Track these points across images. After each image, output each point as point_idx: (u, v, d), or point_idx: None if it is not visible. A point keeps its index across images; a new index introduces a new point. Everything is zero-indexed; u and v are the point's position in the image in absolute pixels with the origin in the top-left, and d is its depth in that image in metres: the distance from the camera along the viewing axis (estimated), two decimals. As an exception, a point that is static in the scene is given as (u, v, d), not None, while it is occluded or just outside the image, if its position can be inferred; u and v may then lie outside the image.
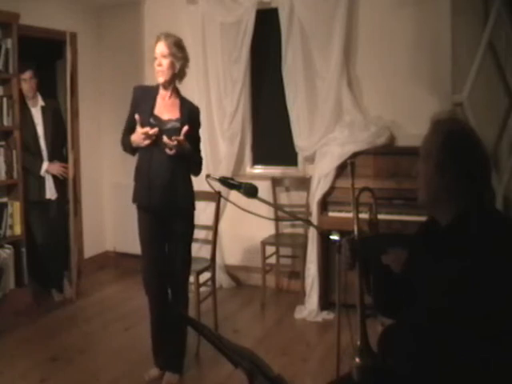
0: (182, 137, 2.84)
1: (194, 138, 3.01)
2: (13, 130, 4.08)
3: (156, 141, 2.89)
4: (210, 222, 3.83)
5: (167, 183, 2.93)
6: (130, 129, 3.00)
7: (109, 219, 5.44)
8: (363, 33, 4.21)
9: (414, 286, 1.67)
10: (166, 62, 2.91)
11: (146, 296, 3.11)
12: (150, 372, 3.16)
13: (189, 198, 3.07)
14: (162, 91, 3.01)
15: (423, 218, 1.83)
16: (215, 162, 4.72)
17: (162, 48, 2.91)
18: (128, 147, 3.03)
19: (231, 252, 4.84)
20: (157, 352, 3.17)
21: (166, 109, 2.99)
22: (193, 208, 3.11)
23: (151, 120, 2.93)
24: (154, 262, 3.05)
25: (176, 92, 3.04)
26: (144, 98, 3.01)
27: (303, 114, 4.35)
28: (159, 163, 2.92)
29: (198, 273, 3.57)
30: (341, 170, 3.96)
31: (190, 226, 3.14)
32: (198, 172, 3.12)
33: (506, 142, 3.61)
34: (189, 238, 3.12)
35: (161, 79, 2.94)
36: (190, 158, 2.98)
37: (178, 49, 2.94)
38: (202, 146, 4.73)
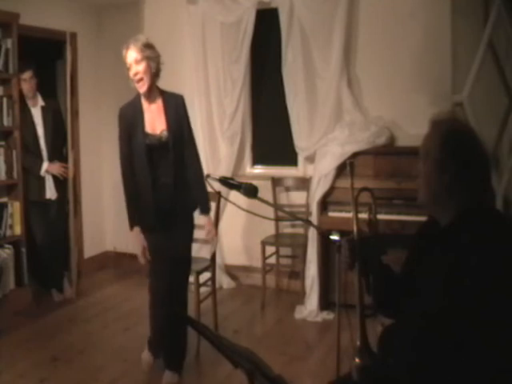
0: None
1: (186, 135, 2.98)
2: (13, 130, 4.08)
3: (154, 160, 2.91)
4: (210, 221, 3.82)
5: (171, 198, 2.95)
6: (128, 157, 2.94)
7: (109, 219, 5.44)
8: (363, 33, 4.21)
9: (414, 286, 1.67)
10: (141, 68, 2.83)
11: (150, 298, 3.16)
12: (143, 354, 3.23)
13: (190, 204, 3.08)
14: (145, 99, 2.95)
15: (423, 218, 1.83)
16: (215, 162, 4.72)
17: (133, 55, 2.82)
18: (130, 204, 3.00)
19: (231, 252, 4.84)
20: (152, 343, 3.24)
21: (154, 119, 2.95)
22: (194, 210, 3.15)
23: (147, 141, 2.91)
24: (164, 273, 3.01)
25: (157, 93, 2.97)
26: (134, 119, 2.93)
27: (303, 114, 4.35)
28: (162, 183, 2.94)
29: (198, 273, 3.57)
30: (341, 170, 3.95)
31: (191, 227, 3.18)
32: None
33: (506, 141, 3.60)
34: (190, 239, 3.17)
35: (143, 88, 2.85)
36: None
37: (149, 49, 2.87)
38: (202, 146, 4.77)
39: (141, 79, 2.84)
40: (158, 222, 2.96)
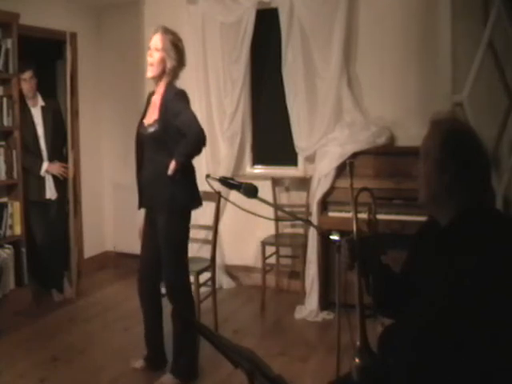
0: (170, 171, 2.77)
1: (178, 124, 2.81)
2: (13, 130, 4.08)
3: (143, 147, 2.98)
4: (210, 222, 3.83)
5: (150, 182, 2.95)
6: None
7: (109, 219, 5.44)
8: (363, 33, 4.21)
9: (414, 286, 1.67)
10: (156, 56, 2.85)
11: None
12: (136, 362, 3.24)
13: (166, 194, 2.86)
14: (155, 88, 2.99)
15: (423, 218, 1.84)
16: (215, 162, 4.72)
17: (156, 41, 2.87)
18: None
19: (231, 252, 4.84)
20: (146, 344, 3.25)
21: (152, 111, 2.96)
22: (175, 204, 2.89)
23: (141, 130, 2.99)
24: (145, 260, 3.13)
25: (164, 88, 2.92)
26: (145, 105, 3.06)
27: (303, 114, 4.34)
28: (146, 166, 2.99)
29: (198, 273, 3.57)
30: (341, 170, 3.95)
31: (174, 223, 2.92)
32: (196, 151, 2.87)
33: (506, 141, 3.61)
34: (173, 237, 2.93)
35: (148, 74, 2.90)
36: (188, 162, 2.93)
37: (174, 48, 2.85)
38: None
39: (151, 64, 2.88)
40: (142, 204, 3.08)
